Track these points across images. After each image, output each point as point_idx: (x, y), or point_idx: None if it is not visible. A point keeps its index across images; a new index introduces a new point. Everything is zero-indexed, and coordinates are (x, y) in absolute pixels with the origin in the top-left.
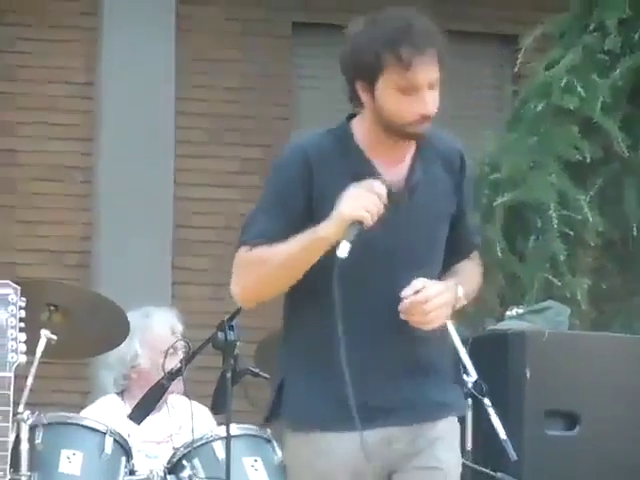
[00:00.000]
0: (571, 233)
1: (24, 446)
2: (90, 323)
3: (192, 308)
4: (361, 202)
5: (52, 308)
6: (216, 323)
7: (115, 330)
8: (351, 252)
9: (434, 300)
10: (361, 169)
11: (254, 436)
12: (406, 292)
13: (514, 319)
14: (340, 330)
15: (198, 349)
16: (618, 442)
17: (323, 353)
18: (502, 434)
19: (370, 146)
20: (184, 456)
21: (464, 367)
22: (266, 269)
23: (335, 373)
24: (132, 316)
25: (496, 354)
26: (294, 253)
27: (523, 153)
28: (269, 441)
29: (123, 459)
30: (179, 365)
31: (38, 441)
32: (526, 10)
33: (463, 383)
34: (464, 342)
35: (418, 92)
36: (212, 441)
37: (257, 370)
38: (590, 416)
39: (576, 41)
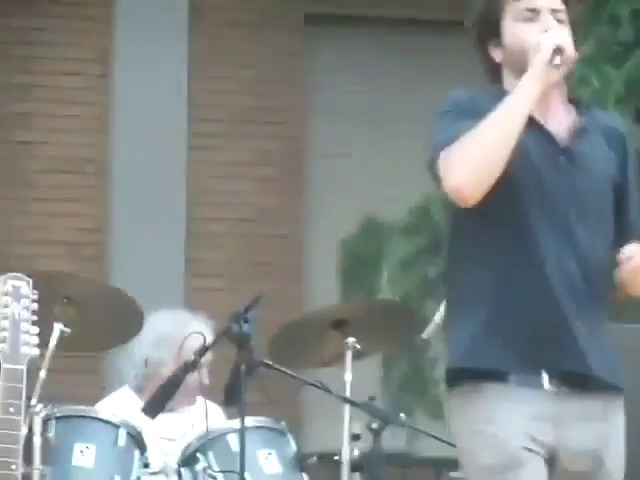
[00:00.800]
0: None
1: (37, 439)
2: (103, 316)
3: (207, 300)
4: (554, 35)
5: (65, 300)
6: (231, 316)
7: (128, 323)
8: (521, 201)
9: None
10: None
11: (269, 428)
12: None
13: None
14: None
15: (213, 342)
16: (630, 434)
17: (510, 288)
18: None
19: None
20: (198, 449)
21: None
22: (477, 142)
23: (522, 313)
24: (165, 320)
25: None
26: (502, 114)
27: None
28: (284, 434)
29: (137, 452)
30: (193, 358)
31: (51, 434)
32: None
33: None
34: None
35: (540, 17)
36: (226, 434)
37: (271, 363)
38: None
39: (588, 32)
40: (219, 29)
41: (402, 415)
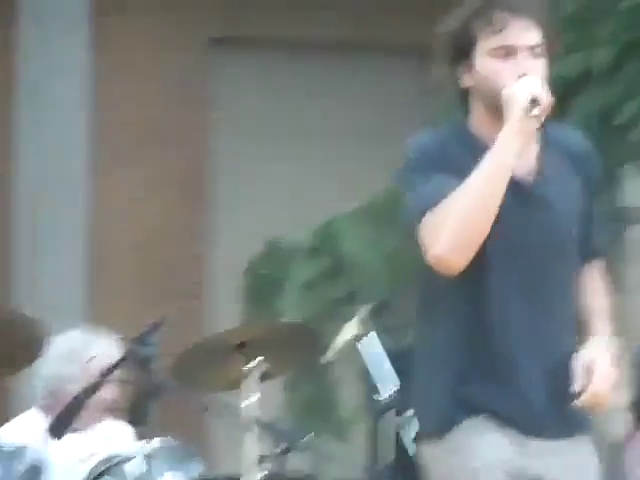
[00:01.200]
0: None
1: None
2: (4, 339)
3: (110, 322)
4: (528, 85)
5: None
6: (134, 338)
7: (31, 346)
8: (488, 253)
9: (605, 385)
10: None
11: (174, 450)
12: (577, 384)
13: None
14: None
15: (115, 364)
16: None
17: (478, 344)
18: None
19: (490, 139)
20: (102, 473)
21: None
22: (461, 207)
23: (492, 367)
24: (71, 339)
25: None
26: (485, 174)
27: None
28: (189, 456)
29: (40, 478)
30: (98, 379)
31: None
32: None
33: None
34: (388, 352)
35: (515, 55)
36: (130, 457)
37: (175, 385)
38: None
39: None
40: (124, 49)
41: (306, 437)
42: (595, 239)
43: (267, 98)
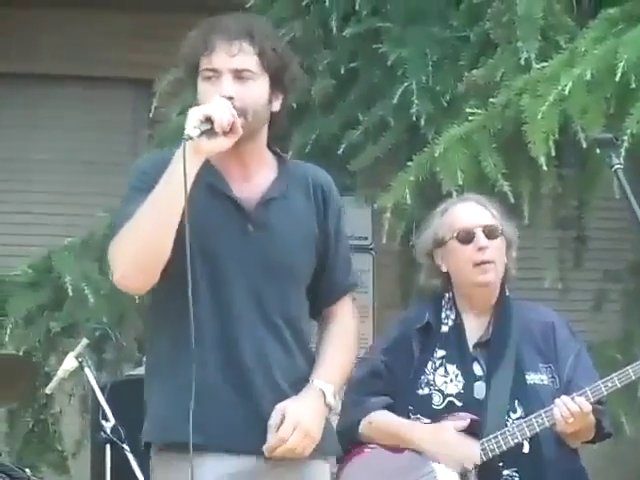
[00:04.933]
0: None
1: None
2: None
3: None
4: (212, 105)
5: None
6: None
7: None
8: (206, 273)
9: (294, 437)
10: (211, 180)
11: None
12: (268, 434)
13: None
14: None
15: None
16: None
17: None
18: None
19: (217, 158)
20: None
21: (103, 412)
22: (137, 230)
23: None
24: None
25: (134, 399)
26: (158, 196)
27: None
28: None
29: None
30: None
31: None
32: (159, 54)
33: None
34: (102, 388)
35: (220, 78)
36: None
37: None
38: None
39: None
40: None
41: (27, 470)
42: (339, 275)
43: None
